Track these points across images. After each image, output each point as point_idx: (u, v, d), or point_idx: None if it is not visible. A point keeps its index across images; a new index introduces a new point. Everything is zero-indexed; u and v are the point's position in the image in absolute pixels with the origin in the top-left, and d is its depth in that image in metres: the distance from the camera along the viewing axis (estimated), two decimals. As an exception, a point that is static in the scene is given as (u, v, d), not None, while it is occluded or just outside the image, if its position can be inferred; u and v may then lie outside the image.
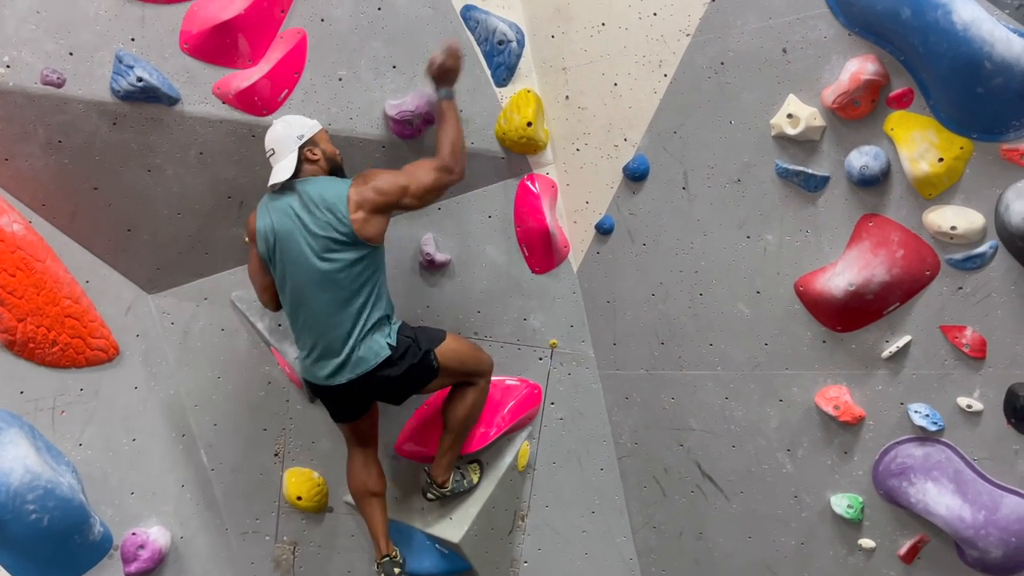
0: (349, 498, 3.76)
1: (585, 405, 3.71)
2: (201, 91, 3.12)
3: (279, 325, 3.51)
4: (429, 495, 3.48)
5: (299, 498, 3.69)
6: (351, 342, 2.99)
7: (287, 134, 2.98)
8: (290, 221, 2.95)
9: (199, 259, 3.44)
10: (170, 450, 3.50)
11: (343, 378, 3.03)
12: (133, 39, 3.02)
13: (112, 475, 3.33)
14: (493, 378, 3.69)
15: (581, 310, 3.62)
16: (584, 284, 3.59)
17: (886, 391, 3.20)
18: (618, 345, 3.60)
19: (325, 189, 2.95)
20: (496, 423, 3.62)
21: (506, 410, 3.63)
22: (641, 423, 3.66)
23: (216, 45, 3.09)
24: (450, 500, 3.55)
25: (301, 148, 2.98)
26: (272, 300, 3.21)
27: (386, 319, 3.09)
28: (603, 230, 3.49)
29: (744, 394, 3.44)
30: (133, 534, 3.36)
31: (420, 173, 3.01)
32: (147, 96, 3.05)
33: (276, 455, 3.69)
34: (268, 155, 3.02)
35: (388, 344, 3.04)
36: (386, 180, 2.96)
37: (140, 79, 3.00)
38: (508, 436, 3.68)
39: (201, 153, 3.21)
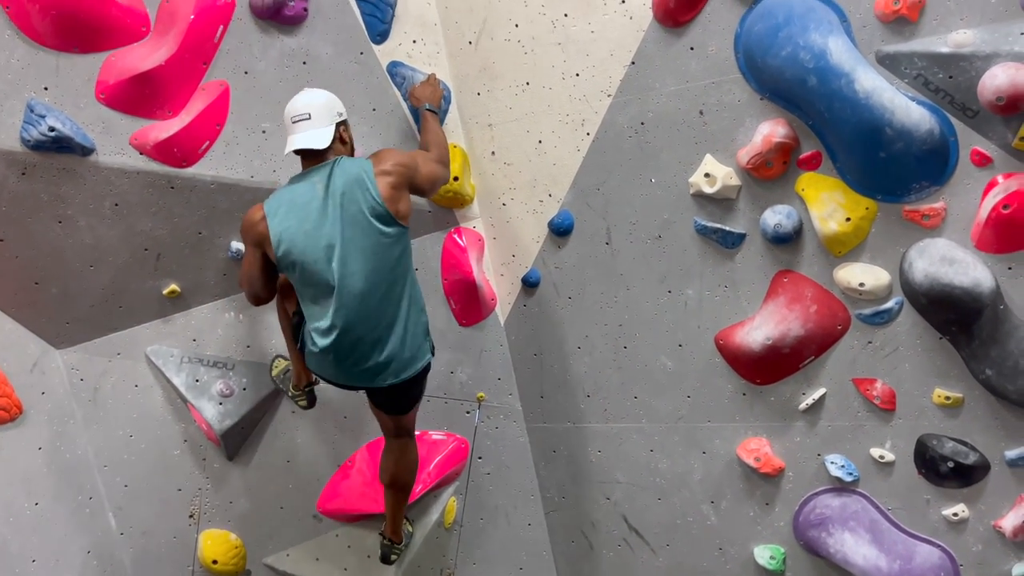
0: (268, 560, 3.64)
1: (512, 459, 3.68)
2: (117, 141, 3.05)
3: (196, 381, 3.40)
4: (393, 557, 3.41)
5: (215, 562, 3.53)
6: (393, 340, 2.79)
7: (328, 106, 2.78)
8: (316, 215, 2.70)
9: (112, 312, 3.32)
10: (75, 514, 3.32)
11: (384, 382, 2.86)
12: (46, 88, 2.94)
13: (12, 541, 3.14)
14: (418, 431, 3.65)
15: (508, 363, 3.61)
16: (511, 337, 3.60)
17: (804, 442, 3.28)
18: (545, 398, 3.60)
19: (349, 168, 2.74)
20: (422, 479, 3.55)
21: (432, 465, 3.58)
22: (568, 477, 3.65)
23: (134, 96, 3.03)
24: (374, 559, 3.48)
25: (338, 125, 2.80)
26: (261, 300, 2.95)
27: (423, 314, 2.92)
28: (529, 283, 3.51)
29: (668, 446, 3.47)
30: (32, 605, 3.16)
31: (423, 160, 2.90)
32: (60, 146, 2.96)
33: (191, 517, 3.54)
34: (297, 119, 2.74)
35: (432, 345, 2.96)
36: (401, 154, 2.84)
37: (52, 128, 2.92)
38: (434, 492, 3.61)
39: (116, 204, 3.12)
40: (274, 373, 3.43)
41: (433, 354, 3.02)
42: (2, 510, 3.11)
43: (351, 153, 2.91)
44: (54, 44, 2.93)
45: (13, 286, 3.16)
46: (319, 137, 2.75)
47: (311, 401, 3.34)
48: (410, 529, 3.56)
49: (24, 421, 3.20)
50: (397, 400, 3.01)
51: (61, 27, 2.90)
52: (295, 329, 3.03)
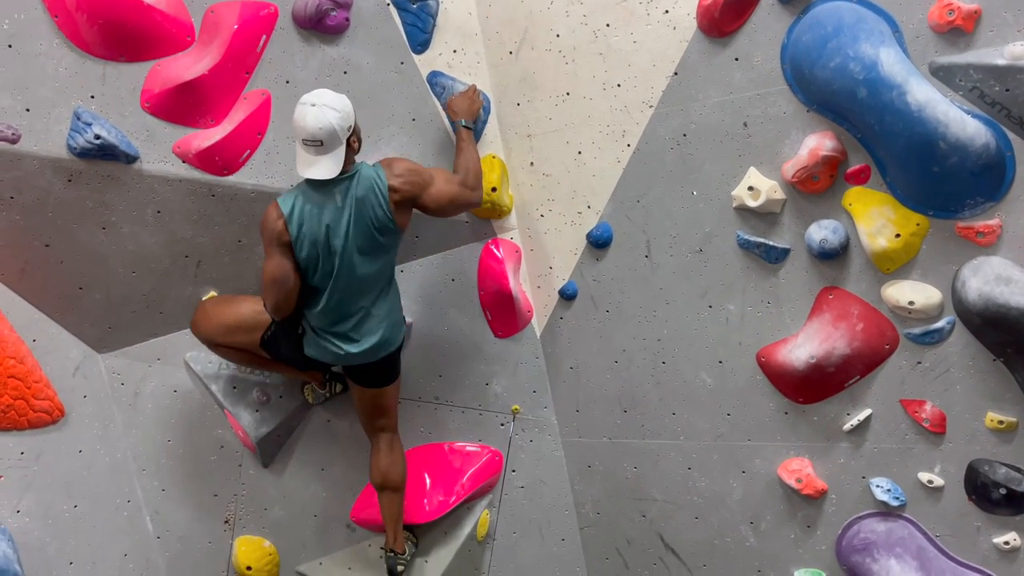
0: (301, 568, 3.64)
1: (547, 473, 3.63)
2: (161, 150, 3.08)
3: (234, 388, 3.42)
4: (400, 568, 3.36)
5: (249, 568, 3.54)
6: (383, 326, 3.07)
7: (340, 126, 2.76)
8: (327, 220, 2.86)
9: (153, 318, 3.35)
10: (113, 517, 3.36)
11: (375, 356, 3.10)
12: (93, 96, 2.99)
13: (50, 544, 3.18)
14: (454, 443, 3.62)
15: (544, 376, 3.57)
16: (547, 349, 3.55)
17: (848, 464, 3.18)
18: (581, 412, 3.56)
19: (363, 180, 2.87)
20: (456, 491, 3.52)
21: (466, 477, 3.55)
22: (603, 493, 3.59)
23: (178, 104, 3.06)
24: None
25: (348, 140, 2.83)
26: (289, 307, 3.00)
27: (399, 300, 3.19)
28: (566, 296, 3.47)
29: (707, 465, 3.39)
30: (69, 607, 3.20)
31: (441, 179, 2.99)
32: (104, 154, 3.00)
33: (226, 522, 3.55)
34: (310, 144, 2.75)
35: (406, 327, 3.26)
36: (413, 170, 2.94)
37: (98, 136, 2.96)
38: (467, 504, 3.58)
39: (159, 212, 3.16)
40: (308, 396, 3.50)
41: (403, 343, 3.25)
42: (42, 512, 3.15)
43: (358, 151, 2.94)
44: (101, 53, 2.98)
45: (57, 291, 3.21)
46: (331, 165, 2.79)
47: (343, 383, 3.44)
48: (414, 540, 3.50)
49: (66, 424, 3.25)
50: (379, 374, 3.20)
51: (108, 36, 2.95)
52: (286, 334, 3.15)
